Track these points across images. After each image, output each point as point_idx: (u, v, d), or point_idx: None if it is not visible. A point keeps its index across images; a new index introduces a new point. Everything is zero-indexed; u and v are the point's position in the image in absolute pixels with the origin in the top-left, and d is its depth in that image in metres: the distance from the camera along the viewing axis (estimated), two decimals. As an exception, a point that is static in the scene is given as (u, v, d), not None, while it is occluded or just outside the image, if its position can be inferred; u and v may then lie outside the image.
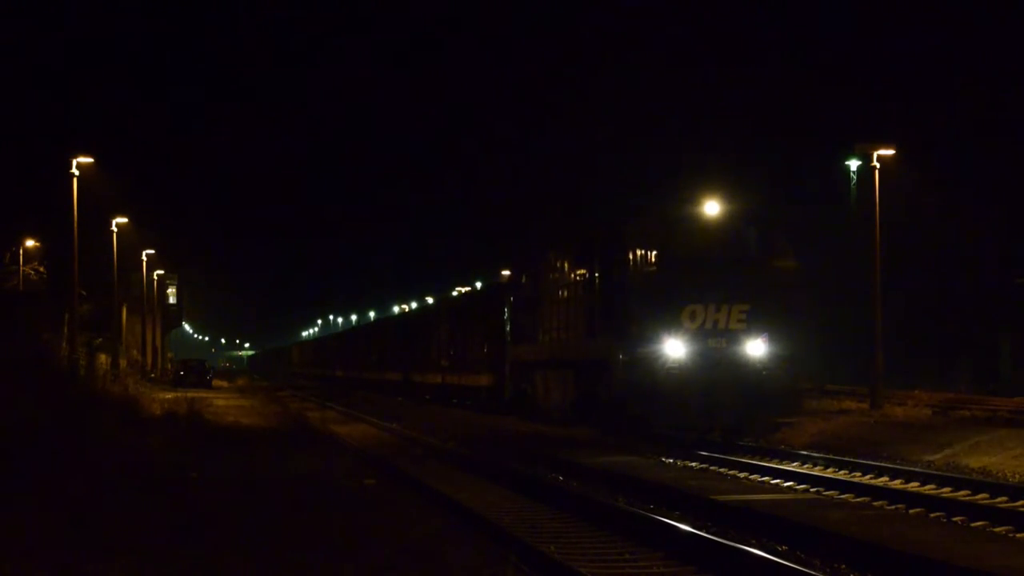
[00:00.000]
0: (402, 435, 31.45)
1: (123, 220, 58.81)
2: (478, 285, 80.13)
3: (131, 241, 65.48)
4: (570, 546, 13.64)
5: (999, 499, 17.10)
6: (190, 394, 46.24)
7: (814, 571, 11.49)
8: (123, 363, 56.58)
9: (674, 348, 24.29)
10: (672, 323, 24.44)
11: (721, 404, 24.21)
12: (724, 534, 14.34)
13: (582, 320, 28.06)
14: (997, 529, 14.53)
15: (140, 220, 64.43)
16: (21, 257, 56.35)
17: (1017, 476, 19.70)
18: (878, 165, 35.59)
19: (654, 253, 25.08)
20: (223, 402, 46.76)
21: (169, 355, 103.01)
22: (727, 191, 25.95)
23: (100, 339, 51.03)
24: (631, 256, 25.31)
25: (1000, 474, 19.98)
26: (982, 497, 17.29)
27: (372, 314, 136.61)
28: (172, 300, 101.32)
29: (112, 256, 57.86)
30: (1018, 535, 14.18)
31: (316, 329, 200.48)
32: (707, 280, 24.74)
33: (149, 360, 79.39)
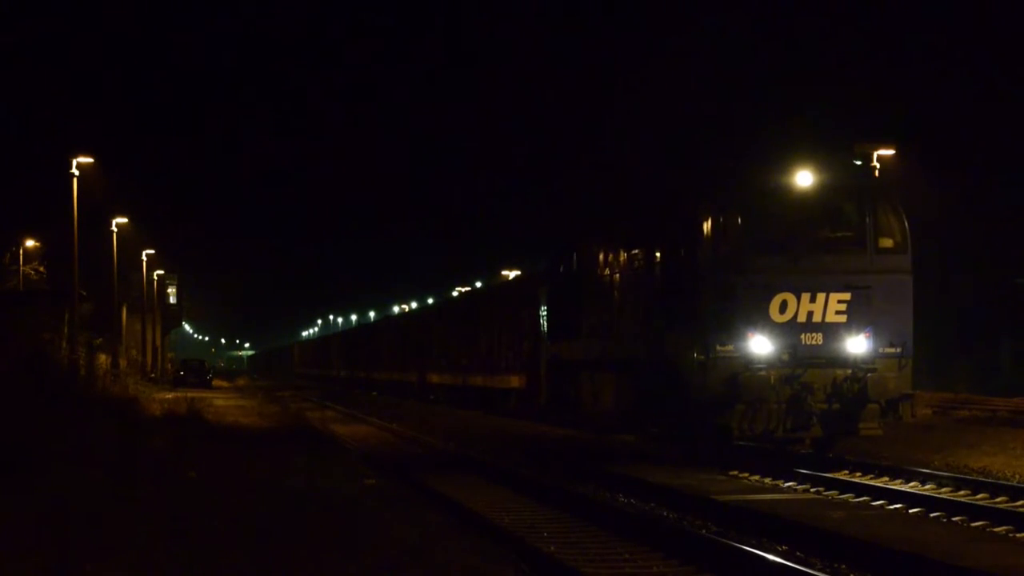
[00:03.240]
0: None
1: (123, 220, 58.85)
2: (478, 284, 79.57)
3: (131, 241, 65.52)
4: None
5: (999, 499, 17.10)
6: (190, 394, 46.25)
7: (814, 571, 11.49)
8: (123, 363, 56.55)
9: (760, 345, 20.71)
10: (758, 316, 20.83)
11: (817, 411, 20.78)
12: (726, 534, 14.35)
13: (641, 313, 24.25)
14: (997, 529, 14.53)
15: (140, 220, 64.53)
16: (21, 257, 56.31)
17: (1017, 476, 19.71)
18: (878, 165, 35.61)
19: (735, 231, 21.28)
20: (223, 402, 46.76)
21: (169, 355, 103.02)
22: (817, 158, 22.10)
23: (100, 339, 50.97)
24: (705, 235, 21.51)
25: (1000, 474, 19.98)
26: (982, 497, 17.29)
27: (372, 314, 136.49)
28: (172, 300, 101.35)
29: (112, 256, 57.87)
30: (1018, 535, 14.18)
31: (316, 329, 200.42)
32: (800, 264, 21.07)
33: (149, 360, 79.37)
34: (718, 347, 20.88)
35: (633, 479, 18.95)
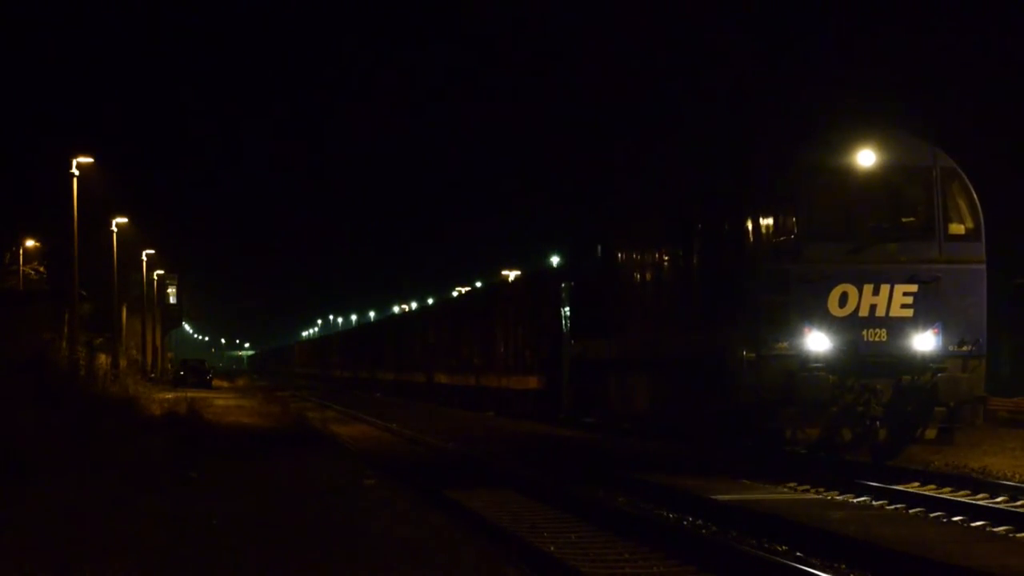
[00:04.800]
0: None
1: (123, 220, 58.88)
2: (478, 284, 79.30)
3: (131, 241, 65.54)
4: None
5: (999, 499, 17.09)
6: (190, 394, 46.29)
7: (814, 571, 11.49)
8: (123, 363, 56.55)
9: (818, 342, 18.83)
10: (815, 309, 18.89)
11: (880, 415, 18.89)
12: (725, 534, 14.36)
13: (678, 308, 22.28)
14: (997, 529, 14.53)
15: (140, 220, 64.56)
16: (21, 257, 56.31)
17: (1017, 476, 19.70)
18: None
19: (788, 217, 19.31)
20: (223, 402, 46.76)
21: (169, 355, 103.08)
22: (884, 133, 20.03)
23: (100, 339, 50.99)
24: (753, 222, 19.71)
25: (1000, 474, 19.97)
26: (982, 497, 17.27)
27: (372, 314, 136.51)
28: (172, 300, 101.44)
29: (112, 256, 57.89)
30: (1018, 535, 14.18)
31: (316, 329, 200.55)
32: (862, 253, 19.17)
33: (149, 360, 79.41)
34: (771, 343, 19.00)
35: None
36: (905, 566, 11.69)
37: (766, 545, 13.41)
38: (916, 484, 18.78)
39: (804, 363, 18.81)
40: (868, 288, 19.09)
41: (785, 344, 18.96)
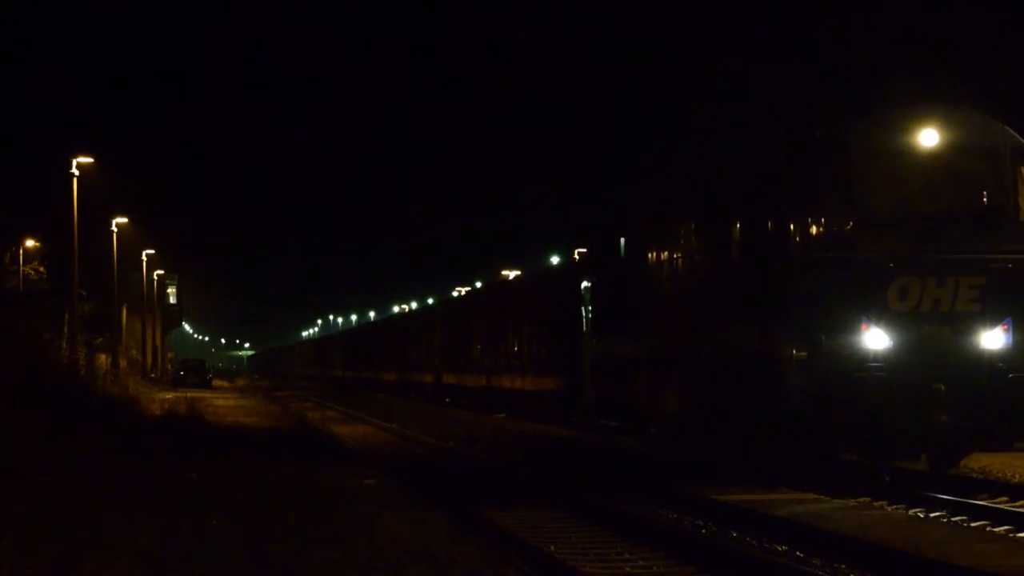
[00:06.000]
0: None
1: (123, 220, 58.93)
2: (478, 284, 79.11)
3: (131, 241, 65.62)
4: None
5: (999, 499, 17.07)
6: (190, 394, 46.26)
7: (815, 571, 11.49)
8: (123, 363, 56.61)
9: (876, 339, 17.27)
10: (872, 304, 17.35)
11: (944, 420, 17.35)
12: (725, 534, 14.35)
13: (718, 303, 20.85)
14: (997, 529, 14.53)
15: (140, 220, 64.65)
16: (21, 257, 56.32)
17: (1017, 476, 19.69)
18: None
19: (843, 203, 17.72)
20: (223, 402, 46.75)
21: (169, 355, 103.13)
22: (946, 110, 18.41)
23: (100, 339, 51.02)
24: (803, 210, 18.21)
25: (1000, 474, 19.96)
26: (982, 497, 17.25)
27: (372, 314, 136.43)
28: (172, 300, 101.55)
29: (112, 256, 57.91)
30: (1018, 535, 14.18)
31: (316, 329, 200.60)
32: (924, 243, 17.51)
33: (149, 360, 79.47)
34: (824, 342, 17.52)
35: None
36: (905, 566, 11.69)
37: (766, 545, 13.41)
38: (916, 484, 18.62)
39: (861, 362, 17.34)
40: (931, 280, 17.55)
41: (840, 342, 17.47)
